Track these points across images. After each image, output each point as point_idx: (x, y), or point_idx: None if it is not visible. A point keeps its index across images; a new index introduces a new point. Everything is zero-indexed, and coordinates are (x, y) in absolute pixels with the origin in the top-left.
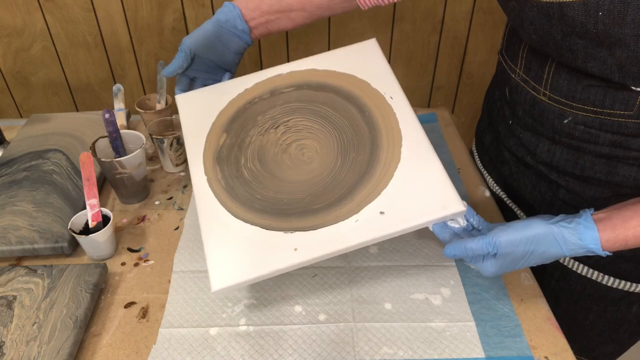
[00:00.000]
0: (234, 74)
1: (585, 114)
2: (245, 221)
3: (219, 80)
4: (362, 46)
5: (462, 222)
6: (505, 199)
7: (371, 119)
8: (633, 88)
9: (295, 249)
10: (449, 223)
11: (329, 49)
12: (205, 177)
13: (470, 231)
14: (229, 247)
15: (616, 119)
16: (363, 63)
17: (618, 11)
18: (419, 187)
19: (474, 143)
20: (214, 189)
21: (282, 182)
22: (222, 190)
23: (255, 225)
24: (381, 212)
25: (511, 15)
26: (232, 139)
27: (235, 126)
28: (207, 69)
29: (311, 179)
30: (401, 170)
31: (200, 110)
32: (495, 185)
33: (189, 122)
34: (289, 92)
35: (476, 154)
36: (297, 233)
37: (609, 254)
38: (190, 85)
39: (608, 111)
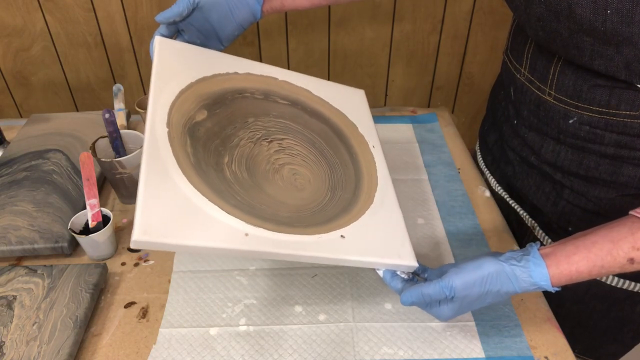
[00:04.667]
0: (223, 50)
1: (590, 114)
2: (207, 198)
3: (207, 45)
4: (352, 91)
5: (407, 276)
6: (507, 199)
7: (357, 163)
8: (639, 86)
9: (247, 234)
10: (398, 272)
11: (328, 50)
12: (167, 130)
13: (415, 282)
14: (172, 204)
15: (621, 119)
16: (352, 107)
17: (627, 10)
18: (382, 233)
19: (478, 142)
20: (175, 151)
21: (270, 198)
22: (188, 163)
23: (216, 205)
24: (342, 236)
25: (517, 11)
26: (215, 126)
27: (220, 113)
28: (200, 29)
29: (301, 205)
30: (371, 212)
31: (181, 62)
32: (497, 185)
33: (164, 67)
34: (284, 105)
35: (479, 153)
36: (257, 227)
37: (558, 289)
38: (174, 38)
39: (613, 111)
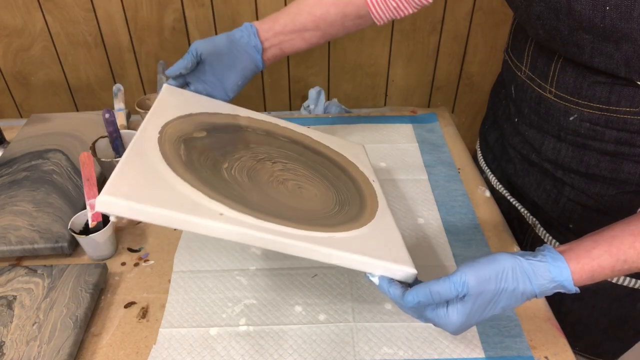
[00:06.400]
0: (230, 100)
1: (591, 111)
2: (189, 184)
3: (214, 97)
4: (352, 144)
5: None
6: (508, 197)
7: (360, 189)
8: (639, 83)
9: (221, 214)
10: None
11: (328, 50)
12: (158, 136)
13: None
14: (150, 175)
15: (622, 115)
16: (351, 153)
17: (625, 6)
18: (380, 241)
19: (478, 141)
20: (164, 149)
21: (275, 200)
22: (178, 161)
23: (199, 191)
24: (330, 237)
25: (518, 11)
26: (214, 143)
27: (221, 136)
28: (205, 80)
29: (310, 210)
30: (371, 225)
31: (183, 102)
32: (498, 183)
33: (166, 102)
34: (285, 142)
35: (479, 152)
36: (241, 213)
37: (577, 290)
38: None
39: (614, 108)
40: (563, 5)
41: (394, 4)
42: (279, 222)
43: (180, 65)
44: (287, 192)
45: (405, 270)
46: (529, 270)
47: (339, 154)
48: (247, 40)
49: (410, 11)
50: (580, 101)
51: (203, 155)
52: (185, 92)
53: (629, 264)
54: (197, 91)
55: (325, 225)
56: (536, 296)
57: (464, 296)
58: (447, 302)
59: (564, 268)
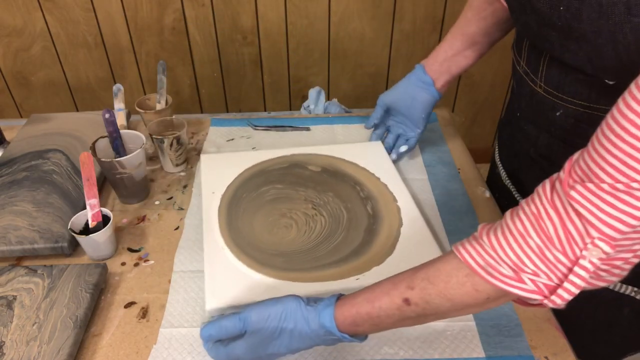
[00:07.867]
0: (422, 130)
1: (574, 107)
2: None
3: (407, 132)
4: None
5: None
6: (514, 193)
7: (359, 265)
8: (607, 82)
9: (213, 193)
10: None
11: (328, 50)
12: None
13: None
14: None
15: (602, 114)
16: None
17: (575, 8)
18: (243, 284)
19: (496, 138)
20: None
21: (249, 217)
22: (253, 168)
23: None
24: (224, 249)
25: (508, 3)
26: (309, 174)
27: (311, 174)
28: (398, 121)
29: (256, 240)
30: (278, 279)
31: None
32: (507, 179)
33: (348, 150)
34: (355, 197)
35: (496, 148)
36: (217, 204)
37: (347, 337)
38: (385, 135)
39: (594, 106)
40: (526, 0)
41: None
42: (222, 227)
43: (373, 117)
44: (270, 223)
45: (207, 303)
46: (305, 313)
47: (393, 229)
48: (418, 77)
49: None
50: (564, 97)
51: (275, 174)
52: (380, 149)
53: (384, 310)
54: (394, 132)
55: (245, 254)
56: (315, 340)
57: (245, 331)
58: (236, 337)
59: (329, 314)
